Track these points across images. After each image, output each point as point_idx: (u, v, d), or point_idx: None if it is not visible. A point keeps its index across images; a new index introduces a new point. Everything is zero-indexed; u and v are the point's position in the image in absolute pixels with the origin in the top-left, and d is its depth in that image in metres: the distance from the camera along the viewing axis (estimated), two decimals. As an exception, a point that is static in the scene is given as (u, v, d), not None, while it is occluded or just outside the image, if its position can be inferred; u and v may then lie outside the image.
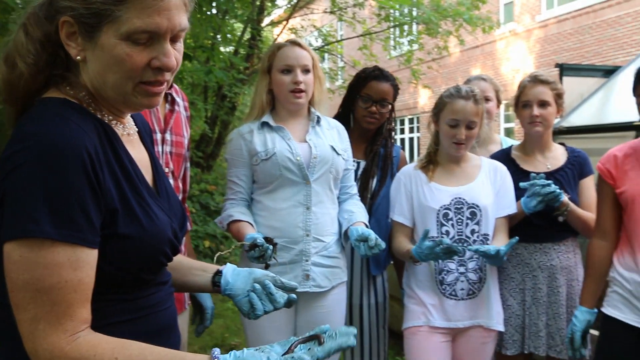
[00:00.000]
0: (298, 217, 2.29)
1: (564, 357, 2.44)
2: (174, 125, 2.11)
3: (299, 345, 1.07)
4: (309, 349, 1.06)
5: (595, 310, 2.26)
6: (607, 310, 2.22)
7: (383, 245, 2.14)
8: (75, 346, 0.99)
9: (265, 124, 2.38)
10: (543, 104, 2.51)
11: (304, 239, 2.29)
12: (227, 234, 7.00)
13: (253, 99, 2.50)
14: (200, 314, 2.27)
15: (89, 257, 1.03)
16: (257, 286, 1.38)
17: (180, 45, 1.14)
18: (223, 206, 2.44)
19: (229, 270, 1.43)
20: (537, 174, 2.38)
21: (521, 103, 2.58)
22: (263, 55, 2.56)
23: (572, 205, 2.42)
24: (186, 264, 1.45)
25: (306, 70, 2.34)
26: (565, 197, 2.39)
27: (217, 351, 1.06)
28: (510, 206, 2.44)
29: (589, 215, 2.41)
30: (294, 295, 1.40)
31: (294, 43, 2.39)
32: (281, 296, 1.38)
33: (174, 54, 1.12)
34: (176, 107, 2.14)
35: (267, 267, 2.03)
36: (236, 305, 1.41)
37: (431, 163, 2.47)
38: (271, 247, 2.04)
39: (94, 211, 1.02)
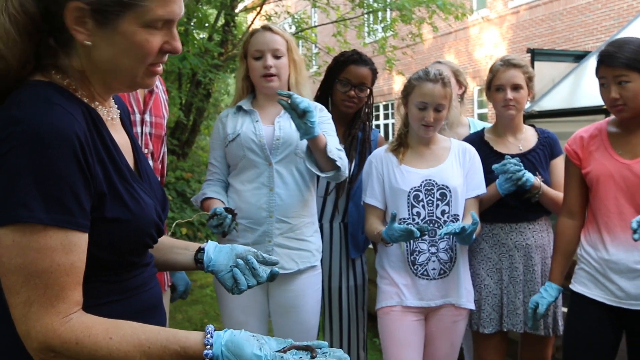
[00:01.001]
0: (261, 198, 2.32)
1: (540, 332, 2.51)
2: (153, 106, 2.12)
3: (292, 350, 1.09)
4: (300, 357, 1.07)
5: (561, 287, 2.34)
6: (575, 287, 2.29)
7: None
8: (68, 327, 1.01)
9: (240, 108, 2.43)
10: (516, 87, 2.55)
11: (267, 220, 2.31)
12: (204, 221, 7.00)
13: (235, 85, 2.56)
14: (172, 292, 2.37)
15: (81, 240, 1.04)
16: (240, 261, 1.41)
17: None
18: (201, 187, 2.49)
19: (211, 247, 1.45)
20: (512, 156, 2.44)
21: (494, 87, 2.61)
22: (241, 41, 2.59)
23: (544, 187, 2.48)
24: (168, 243, 1.45)
25: (277, 55, 2.35)
26: (536, 180, 2.45)
27: (211, 327, 1.08)
28: (479, 187, 2.48)
29: (561, 195, 2.47)
30: (276, 269, 1.43)
31: (265, 28, 2.41)
32: (264, 270, 1.41)
33: None
34: (155, 89, 2.16)
35: (224, 235, 2.11)
36: (219, 281, 1.43)
37: (402, 145, 2.50)
38: (230, 216, 2.09)
39: (85, 196, 1.03)
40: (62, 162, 1.00)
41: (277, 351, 1.07)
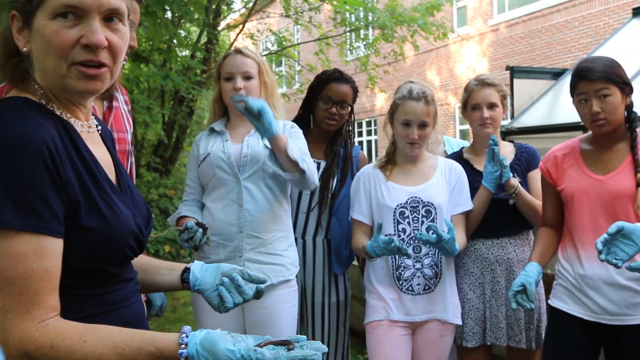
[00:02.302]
0: (231, 214, 2.36)
1: (523, 346, 2.53)
2: (114, 122, 2.13)
3: (269, 345, 1.09)
4: (277, 351, 1.08)
5: (541, 267, 2.25)
6: (553, 302, 2.31)
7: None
8: (44, 333, 1.01)
9: (213, 130, 2.50)
10: (492, 105, 2.60)
11: (238, 236, 2.35)
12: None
13: (209, 107, 2.64)
14: (148, 309, 2.38)
15: (54, 246, 1.04)
16: (226, 279, 1.42)
17: (119, 26, 1.16)
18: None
19: (197, 267, 1.46)
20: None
21: (470, 106, 2.65)
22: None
23: (520, 188, 2.51)
24: (154, 265, 1.47)
25: (248, 77, 2.40)
26: (513, 179, 2.48)
27: (187, 328, 1.09)
28: (465, 203, 2.52)
29: (538, 202, 2.50)
30: (262, 286, 1.44)
31: (236, 51, 2.47)
32: (249, 288, 1.42)
33: (107, 33, 1.13)
34: (114, 104, 2.16)
35: (196, 249, 2.16)
36: (206, 299, 1.44)
37: (390, 163, 2.55)
38: (200, 230, 2.14)
39: (56, 202, 1.04)
40: (31, 169, 1.01)
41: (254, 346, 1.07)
